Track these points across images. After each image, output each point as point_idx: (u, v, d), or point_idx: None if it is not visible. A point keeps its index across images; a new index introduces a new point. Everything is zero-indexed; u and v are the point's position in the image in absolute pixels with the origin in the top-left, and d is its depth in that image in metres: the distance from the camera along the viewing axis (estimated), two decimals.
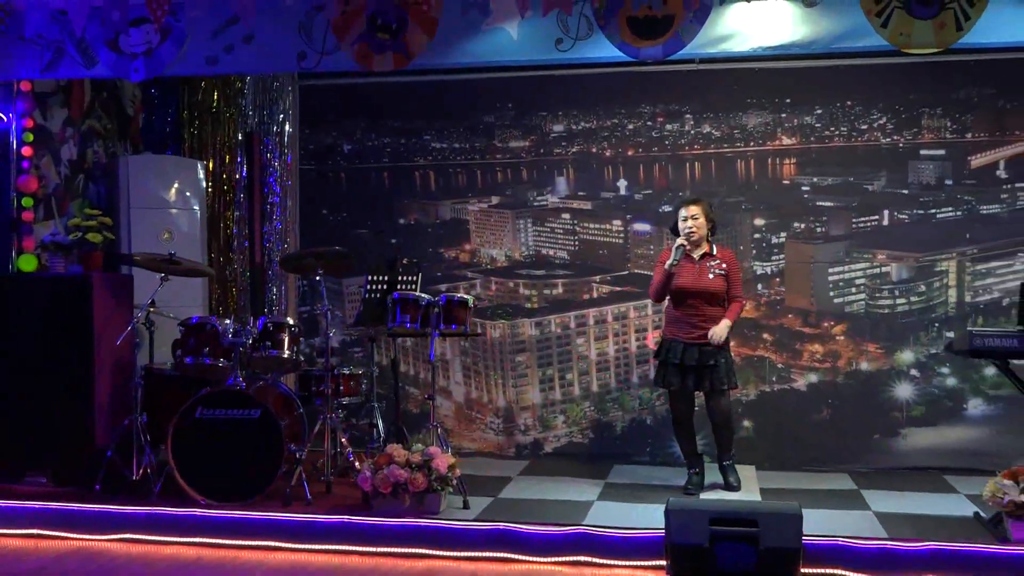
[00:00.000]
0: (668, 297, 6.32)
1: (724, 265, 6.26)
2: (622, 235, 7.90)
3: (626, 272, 7.94)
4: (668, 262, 6.18)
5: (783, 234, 7.65)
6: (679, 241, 6.20)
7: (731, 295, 6.27)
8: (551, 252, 8.07)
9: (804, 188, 7.67)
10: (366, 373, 6.96)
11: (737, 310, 6.26)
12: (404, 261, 6.99)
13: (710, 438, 6.52)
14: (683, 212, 6.34)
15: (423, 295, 6.40)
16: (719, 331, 6.08)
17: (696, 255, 6.30)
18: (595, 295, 7.94)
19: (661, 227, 7.87)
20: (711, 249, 6.33)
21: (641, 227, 7.91)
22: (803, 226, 7.65)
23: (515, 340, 7.99)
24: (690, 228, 6.26)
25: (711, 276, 6.22)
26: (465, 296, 6.43)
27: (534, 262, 8.10)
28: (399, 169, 8.27)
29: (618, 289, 7.91)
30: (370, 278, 6.83)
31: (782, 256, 7.61)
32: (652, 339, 7.43)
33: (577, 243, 8.00)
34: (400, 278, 6.89)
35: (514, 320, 8.01)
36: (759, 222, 7.60)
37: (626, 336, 7.90)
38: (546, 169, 8.05)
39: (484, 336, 7.96)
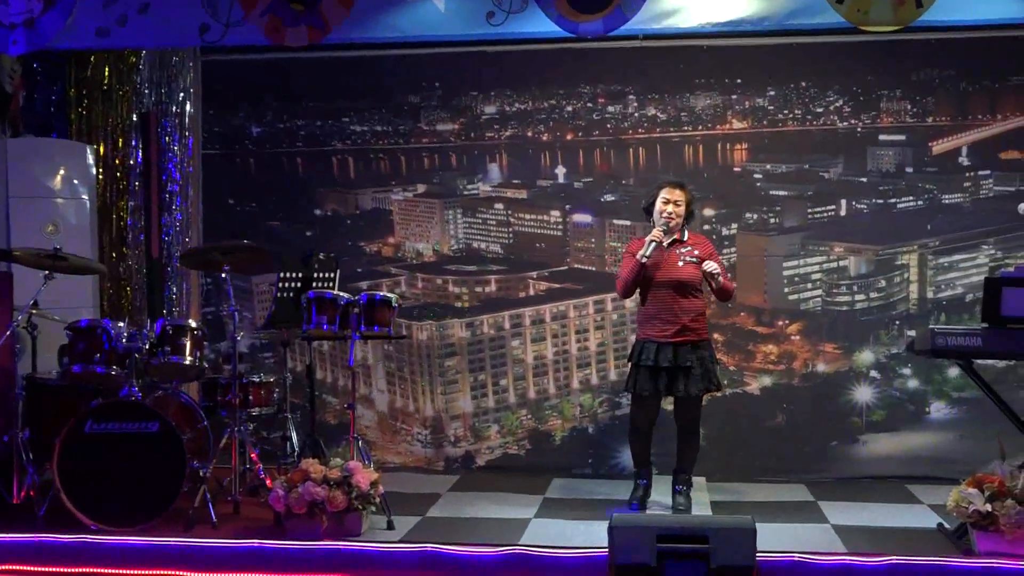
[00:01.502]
0: (638, 293, 6.33)
1: (697, 252, 6.28)
2: (561, 227, 7.94)
3: (565, 267, 7.98)
4: (640, 252, 6.16)
5: (734, 225, 7.76)
6: (654, 234, 6.18)
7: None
8: (483, 246, 8.07)
9: (756, 176, 7.79)
10: (278, 381, 6.89)
11: (728, 283, 6.25)
12: (320, 256, 6.93)
13: (660, 450, 6.56)
14: (665, 194, 6.31)
15: (341, 294, 6.36)
16: (714, 266, 6.08)
17: (666, 242, 6.31)
18: (532, 293, 7.97)
19: (604, 218, 7.93)
20: (683, 236, 6.35)
21: (581, 218, 7.95)
22: (755, 217, 7.77)
23: (444, 343, 7.98)
24: (671, 213, 6.27)
25: (682, 264, 6.24)
26: (388, 295, 6.40)
27: (464, 257, 8.11)
28: (315, 154, 8.20)
29: (557, 286, 7.95)
30: (282, 275, 6.76)
31: (733, 249, 7.72)
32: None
33: (512, 236, 8.02)
34: (316, 275, 6.83)
35: (443, 321, 8.00)
36: (708, 212, 7.69)
37: (566, 337, 7.94)
38: (477, 155, 8.06)
39: (410, 339, 7.94)
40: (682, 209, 6.31)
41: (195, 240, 8.00)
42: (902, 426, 7.44)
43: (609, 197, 7.81)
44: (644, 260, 6.14)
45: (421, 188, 8.16)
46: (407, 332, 7.89)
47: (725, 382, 7.44)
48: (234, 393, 6.34)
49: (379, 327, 6.28)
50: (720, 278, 6.14)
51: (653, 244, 6.17)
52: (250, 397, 6.60)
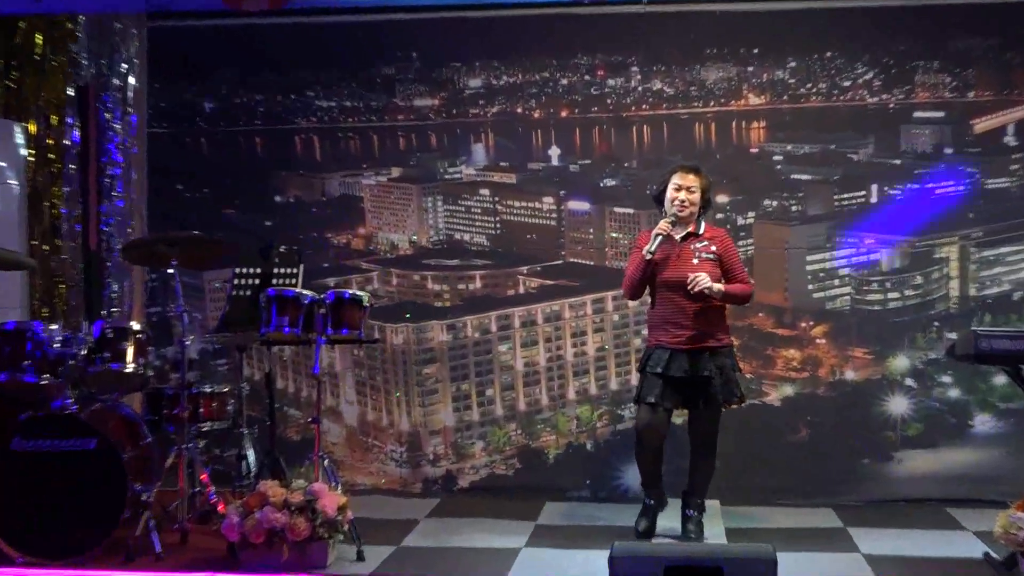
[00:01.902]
0: (647, 294, 6.30)
1: (714, 248, 6.24)
2: (555, 216, 7.94)
3: (560, 262, 7.99)
4: (646, 248, 6.11)
5: (751, 214, 7.77)
6: (661, 226, 6.14)
7: (733, 279, 6.19)
8: (467, 237, 8.07)
9: (776, 158, 7.80)
10: (233, 391, 6.87)
11: (740, 289, 6.19)
12: (281, 249, 6.92)
13: (668, 468, 6.55)
14: (677, 179, 6.27)
15: (305, 292, 6.34)
16: (702, 278, 6.00)
17: (678, 235, 6.27)
18: (522, 291, 7.97)
19: (603, 205, 7.93)
20: (697, 228, 6.31)
21: (578, 205, 7.95)
22: (775, 204, 7.77)
23: (422, 348, 7.97)
24: (683, 201, 6.22)
25: (696, 262, 6.20)
26: (359, 293, 6.39)
27: (445, 249, 8.09)
28: (275, 133, 8.18)
29: (550, 283, 7.95)
30: (238, 271, 6.74)
31: (750, 241, 7.73)
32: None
33: (499, 226, 8.02)
34: (276, 271, 6.82)
35: (421, 323, 7.99)
36: (722, 199, 7.70)
37: (560, 342, 7.94)
38: (460, 134, 8.05)
39: (383, 343, 7.93)
40: (696, 196, 6.27)
41: (139, 231, 7.97)
42: (942, 441, 7.45)
43: (609, 182, 7.81)
44: (650, 256, 6.11)
45: (396, 172, 8.15)
46: (380, 335, 7.88)
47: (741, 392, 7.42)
48: (183, 405, 6.32)
49: (348, 330, 6.26)
50: (719, 289, 6.08)
51: (659, 238, 6.14)
52: (201, 410, 6.57)
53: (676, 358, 6.17)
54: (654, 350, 6.26)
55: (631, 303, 7.41)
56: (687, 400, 6.22)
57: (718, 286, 6.13)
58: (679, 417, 6.47)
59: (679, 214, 6.26)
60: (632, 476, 6.90)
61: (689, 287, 6.05)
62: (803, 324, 7.64)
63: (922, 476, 7.39)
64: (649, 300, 6.39)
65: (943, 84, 7.55)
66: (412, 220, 8.01)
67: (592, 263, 7.83)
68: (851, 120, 7.65)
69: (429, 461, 7.85)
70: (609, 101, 7.79)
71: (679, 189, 6.28)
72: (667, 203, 6.31)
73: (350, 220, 8.03)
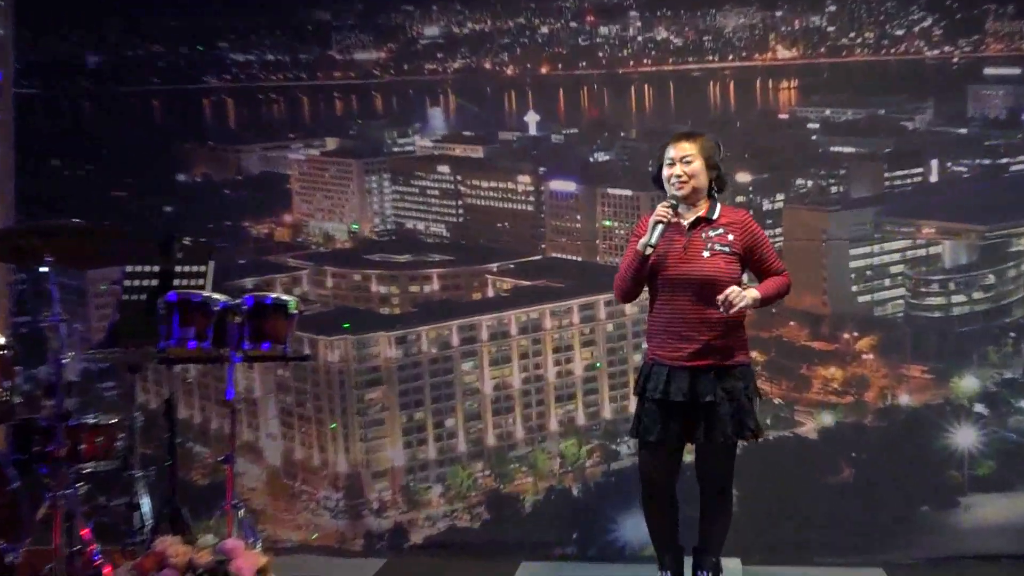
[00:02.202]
0: (648, 288, 6.27)
1: (731, 236, 6.18)
2: (532, 199, 7.94)
3: (539, 257, 7.98)
4: (643, 240, 6.08)
5: (779, 196, 7.79)
6: (659, 212, 6.10)
7: (768, 271, 6.16)
8: (421, 226, 8.06)
9: (811, 125, 7.82)
10: (123, 423, 6.84)
11: (777, 284, 6.11)
12: (186, 242, 6.88)
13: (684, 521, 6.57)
14: (670, 151, 6.23)
15: (216, 296, 6.32)
16: (736, 295, 5.94)
17: (686, 221, 6.25)
18: (491, 293, 7.97)
19: (593, 186, 7.94)
20: (711, 211, 6.26)
21: (562, 186, 7.95)
22: (810, 184, 7.80)
23: (365, 366, 7.96)
24: (679, 176, 6.20)
25: (707, 254, 6.15)
26: (284, 297, 6.36)
27: (395, 242, 8.08)
28: (178, 95, 8.15)
29: (527, 284, 7.95)
30: (131, 270, 6.71)
31: (778, 230, 7.75)
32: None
33: (462, 212, 8.01)
34: (179, 269, 6.79)
35: (363, 335, 7.98)
36: (743, 178, 7.72)
37: (540, 358, 7.94)
38: (413, 96, 8.03)
39: (315, 360, 7.91)
40: (697, 166, 6.24)
41: (3, 219, 7.94)
42: (1021, 483, 7.50)
43: (602, 156, 7.82)
44: (648, 251, 6.08)
45: (331, 143, 8.13)
46: (311, 351, 7.85)
47: (768, 422, 7.48)
48: (59, 441, 6.28)
49: (270, 344, 6.25)
50: (755, 297, 6.05)
51: (660, 227, 6.09)
52: (82, 447, 6.54)
53: (676, 378, 6.14)
54: (652, 367, 6.25)
55: (628, 308, 7.42)
56: (688, 431, 6.21)
57: (753, 293, 6.06)
58: (690, 453, 6.48)
59: (678, 193, 6.25)
60: (631, 528, 6.89)
61: (722, 308, 5.98)
62: (846, 335, 7.67)
63: (995, 527, 7.43)
64: (648, 301, 6.37)
65: (1020, 33, 7.61)
66: (352, 204, 7.99)
67: (579, 259, 7.84)
68: (905, 79, 7.68)
69: (373, 511, 7.83)
70: (602, 54, 7.80)
71: (672, 163, 6.26)
72: (664, 182, 6.31)
73: (273, 205, 8.00)
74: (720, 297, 5.97)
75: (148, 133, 7.87)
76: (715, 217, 6.26)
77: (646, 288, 6.42)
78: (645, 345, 6.42)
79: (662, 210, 6.15)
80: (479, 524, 7.42)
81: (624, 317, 7.28)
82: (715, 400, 6.13)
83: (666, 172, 6.25)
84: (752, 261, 6.24)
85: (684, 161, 6.22)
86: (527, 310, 7.39)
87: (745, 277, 6.23)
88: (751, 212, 7.74)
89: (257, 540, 6.21)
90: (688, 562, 6.47)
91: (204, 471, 7.77)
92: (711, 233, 6.24)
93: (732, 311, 5.92)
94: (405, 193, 7.55)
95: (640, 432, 6.22)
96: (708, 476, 6.28)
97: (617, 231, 7.24)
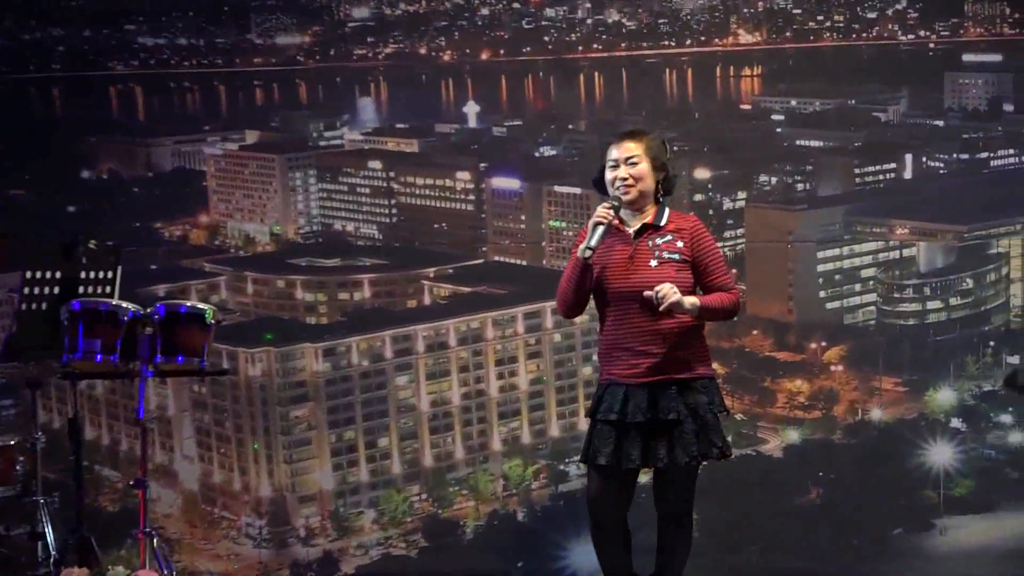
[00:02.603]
0: (596, 308, 6.26)
1: (681, 243, 6.18)
2: (473, 197, 7.95)
3: (480, 261, 8.02)
4: (582, 245, 6.08)
5: (741, 195, 7.84)
6: (599, 214, 6.10)
7: (713, 285, 6.13)
8: (351, 227, 8.04)
9: (775, 117, 7.89)
10: (23, 444, 6.78)
11: (721, 300, 6.08)
12: (91, 245, 6.84)
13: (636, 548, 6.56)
14: (613, 152, 6.24)
15: (125, 304, 6.28)
16: (670, 289, 5.92)
17: (632, 227, 6.23)
18: (428, 301, 7.97)
19: (539, 183, 7.97)
20: (658, 217, 6.26)
21: (505, 183, 7.98)
22: (774, 181, 7.85)
23: (289, 381, 7.94)
24: (623, 180, 6.20)
25: (655, 263, 6.15)
26: (200, 306, 6.34)
27: (322, 244, 8.07)
28: (82, 83, 8.09)
29: (467, 291, 7.96)
30: (30, 276, 6.65)
31: (740, 232, 7.79)
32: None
33: (395, 211, 8.00)
34: (84, 275, 6.74)
35: (287, 346, 7.96)
36: (702, 175, 7.76)
37: (481, 371, 7.96)
38: (341, 84, 8.01)
39: (235, 375, 7.87)
40: (642, 168, 6.25)
41: None
42: (1002, 503, 7.55)
43: (548, 151, 7.85)
44: (588, 254, 6.07)
45: (251, 137, 8.10)
46: (230, 365, 7.82)
47: (729, 439, 7.50)
48: None
49: (185, 357, 6.22)
50: (692, 304, 6.04)
51: (600, 228, 6.10)
52: None
53: (633, 396, 6.14)
54: (607, 387, 6.22)
55: (579, 319, 7.45)
56: (647, 453, 6.19)
57: (691, 300, 6.09)
58: (645, 475, 6.50)
59: (624, 197, 6.25)
60: (581, 555, 6.92)
61: (655, 303, 6.00)
62: (813, 345, 7.73)
63: (975, 550, 7.48)
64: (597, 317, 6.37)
65: (1002, 16, 7.67)
66: (274, 204, 7.97)
67: (524, 263, 7.87)
68: (878, 66, 7.74)
69: (299, 538, 7.81)
70: (547, 39, 7.83)
71: (616, 165, 6.27)
72: (608, 186, 6.30)
73: (188, 204, 7.96)
74: (652, 291, 5.99)
75: (48, 126, 7.81)
76: (663, 223, 6.26)
77: (595, 304, 6.43)
78: (599, 363, 6.43)
79: (602, 211, 6.15)
80: (416, 552, 7.42)
81: (573, 326, 7.31)
82: (679, 417, 6.13)
83: (609, 175, 6.25)
84: (696, 272, 6.22)
85: (629, 162, 6.22)
86: (467, 319, 7.40)
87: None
88: (711, 213, 7.76)
89: (172, 571, 6.19)
90: None
91: (114, 496, 7.73)
92: (659, 240, 6.27)
93: (662, 307, 5.95)
94: (333, 191, 7.53)
95: (590, 455, 6.19)
96: (668, 501, 6.28)
97: (565, 232, 7.28)
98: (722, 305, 6.06)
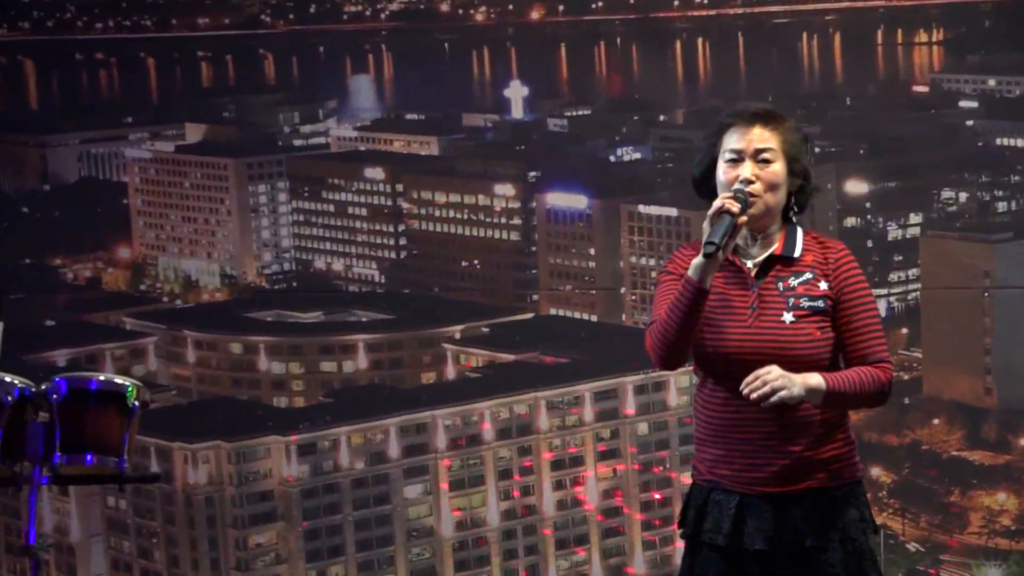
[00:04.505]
0: (696, 366, 6.26)
1: (825, 283, 6.14)
2: (519, 221, 7.98)
3: (529, 315, 8.03)
4: (707, 236, 5.95)
5: (914, 218, 7.85)
6: (726, 199, 5.99)
7: (855, 351, 6.12)
8: (338, 265, 8.09)
9: (965, 104, 7.89)
10: None
11: (865, 380, 6.04)
12: None
13: None
14: (733, 139, 6.16)
15: (8, 378, 6.34)
16: (775, 376, 5.87)
17: (752, 262, 6.22)
18: (451, 374, 8.00)
19: (617, 200, 7.98)
20: (788, 246, 6.20)
21: (566, 200, 8.00)
22: (963, 198, 7.86)
23: (250, 492, 7.99)
24: (745, 186, 6.11)
25: (790, 317, 6.12)
26: (119, 380, 6.39)
27: (296, 290, 8.12)
28: None
29: (509, 358, 7.98)
30: None
31: (912, 271, 7.80)
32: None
33: (404, 241, 8.05)
34: None
35: (247, 440, 8.02)
36: (856, 188, 7.78)
37: (531, 478, 7.99)
38: (325, 56, 8.08)
39: (169, 484, 7.93)
40: (777, 172, 6.23)
41: None
42: None
43: (630, 152, 7.85)
44: (712, 251, 5.97)
45: (194, 133, 8.18)
46: (162, 467, 7.88)
47: None
48: None
49: (96, 455, 6.27)
50: (818, 386, 6.03)
51: (727, 220, 6.01)
52: None
53: (752, 512, 6.17)
54: (709, 493, 6.26)
55: (676, 396, 7.46)
56: None
57: (814, 381, 6.07)
58: None
59: (747, 211, 6.21)
60: None
61: (747, 392, 5.97)
62: (1023, 441, 7.73)
63: None
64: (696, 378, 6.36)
65: None
66: (227, 231, 8.03)
67: (594, 317, 7.87)
68: None
69: None
70: None
71: (738, 158, 6.23)
72: (721, 190, 6.25)
73: (100, 231, 8.04)
74: (749, 377, 5.95)
75: None
76: (796, 254, 6.23)
77: (693, 365, 6.44)
78: (695, 451, 6.46)
79: (728, 200, 6.05)
80: None
81: (666, 412, 7.30)
82: (822, 545, 6.16)
83: (727, 173, 6.23)
84: (837, 323, 6.21)
85: (760, 158, 6.18)
86: (510, 400, 7.42)
87: None
88: (868, 245, 7.77)
89: None
90: None
91: None
92: (793, 282, 6.23)
93: (763, 398, 5.91)
94: (313, 213, 7.59)
95: None
96: None
97: (653, 271, 7.26)
98: (865, 390, 6.02)
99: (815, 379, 5.85)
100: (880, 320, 6.23)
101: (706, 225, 5.76)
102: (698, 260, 5.81)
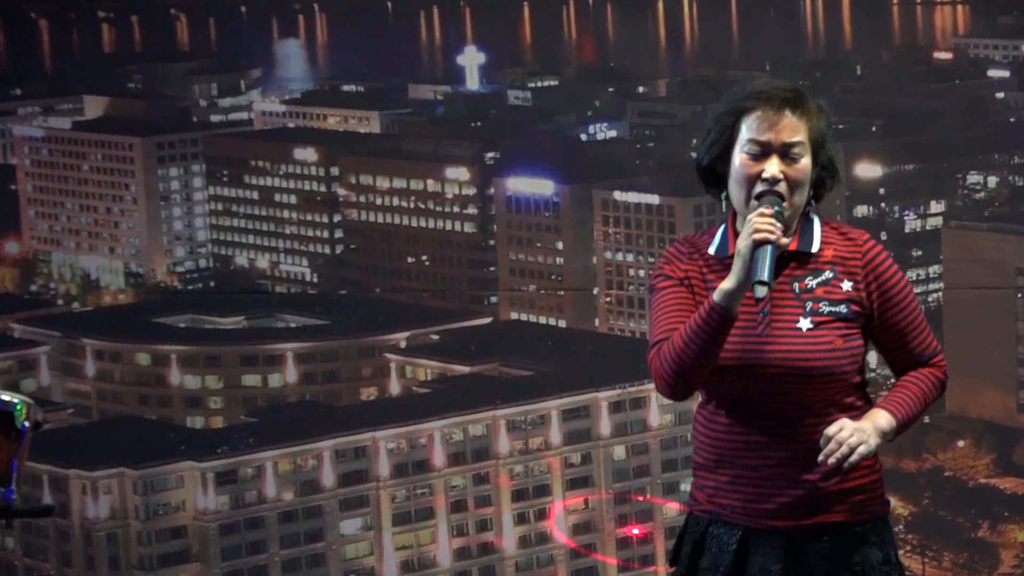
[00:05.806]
0: (703, 389, 6.24)
1: (849, 283, 6.09)
2: (475, 209, 8.01)
3: (486, 319, 8.06)
4: (753, 272, 5.87)
5: (935, 206, 7.90)
6: (760, 225, 5.89)
7: (908, 356, 6.09)
8: (263, 261, 8.12)
9: (995, 73, 7.94)
10: None
11: (925, 391, 6.01)
12: None
13: None
14: (755, 126, 6.06)
15: None
16: (856, 434, 5.85)
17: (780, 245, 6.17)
18: (396, 389, 8.04)
19: (589, 186, 8.01)
20: (804, 239, 6.12)
21: (530, 186, 8.03)
22: (992, 183, 7.91)
23: (158, 528, 8.03)
24: (774, 183, 6.02)
25: (807, 324, 6.08)
26: (6, 398, 6.40)
27: (213, 291, 8.15)
28: None
29: (464, 370, 8.02)
30: None
31: (933, 268, 7.85)
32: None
33: (340, 235, 8.07)
34: None
35: (157, 466, 8.04)
36: (867, 172, 7.82)
37: (488, 510, 8.02)
38: (248, 16, 8.11)
39: (63, 517, 7.96)
40: (805, 167, 6.20)
41: None
42: None
43: (605, 130, 7.89)
44: (761, 297, 5.92)
45: (94, 107, 8.20)
46: (56, 499, 7.91)
47: None
48: None
49: None
50: (889, 426, 6.03)
51: (769, 251, 5.93)
52: None
53: (758, 548, 6.19)
54: (708, 527, 6.28)
55: (658, 416, 7.49)
56: None
57: (883, 423, 6.05)
58: None
59: (780, 208, 6.18)
60: None
61: (832, 461, 5.96)
62: None
63: None
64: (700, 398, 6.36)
65: None
66: (133, 222, 8.06)
67: (562, 323, 7.91)
68: None
69: None
70: None
71: (762, 151, 6.19)
72: (735, 186, 6.24)
73: None
74: (825, 443, 5.92)
75: None
76: (813, 248, 6.21)
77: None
78: (692, 477, 6.47)
79: (764, 222, 5.97)
80: None
81: (646, 434, 7.35)
82: None
83: (746, 166, 6.16)
84: (881, 329, 6.20)
85: (790, 154, 6.11)
86: (464, 420, 7.46)
87: (872, 358, 6.27)
88: (881, 236, 7.80)
89: None
90: None
91: None
92: (811, 282, 6.20)
93: (842, 460, 5.89)
94: (233, 200, 7.62)
95: None
96: None
97: (632, 268, 7.28)
98: (928, 401, 6.01)
99: (884, 419, 5.83)
100: (923, 310, 6.22)
101: (742, 250, 5.65)
102: (728, 286, 5.72)
